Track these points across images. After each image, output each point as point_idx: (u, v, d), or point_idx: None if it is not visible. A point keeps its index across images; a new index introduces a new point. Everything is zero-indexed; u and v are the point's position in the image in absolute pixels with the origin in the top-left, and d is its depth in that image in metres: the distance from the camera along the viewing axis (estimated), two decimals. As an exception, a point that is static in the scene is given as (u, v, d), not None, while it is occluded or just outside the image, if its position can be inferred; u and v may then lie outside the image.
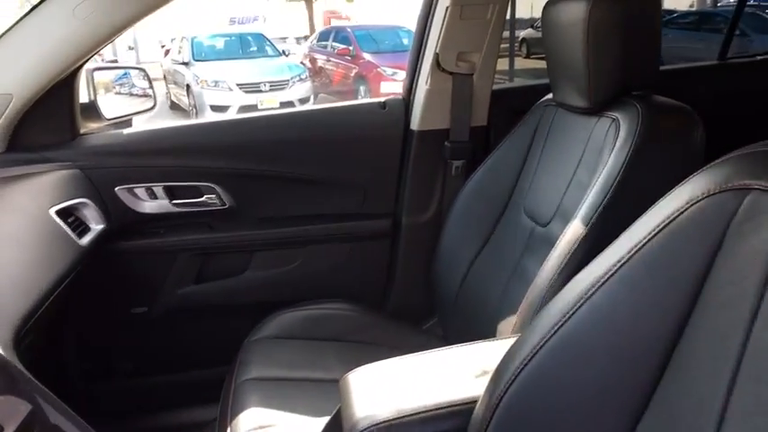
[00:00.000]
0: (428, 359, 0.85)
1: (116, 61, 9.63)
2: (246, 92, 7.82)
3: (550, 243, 1.03)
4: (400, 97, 1.57)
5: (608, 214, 0.95)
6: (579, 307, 0.59)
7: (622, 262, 0.57)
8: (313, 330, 1.33)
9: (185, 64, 8.65)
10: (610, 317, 0.58)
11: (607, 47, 1.02)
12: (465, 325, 1.30)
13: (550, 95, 1.25)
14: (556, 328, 0.60)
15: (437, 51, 1.46)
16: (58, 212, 1.18)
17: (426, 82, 1.49)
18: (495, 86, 1.57)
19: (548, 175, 1.19)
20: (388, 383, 0.81)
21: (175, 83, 9.13)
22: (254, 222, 1.52)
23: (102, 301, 1.46)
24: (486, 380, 0.70)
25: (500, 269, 1.21)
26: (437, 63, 1.47)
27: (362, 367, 0.83)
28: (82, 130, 1.37)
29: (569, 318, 0.60)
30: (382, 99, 1.56)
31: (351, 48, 8.96)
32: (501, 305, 1.15)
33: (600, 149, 1.03)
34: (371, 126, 1.54)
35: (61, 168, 1.28)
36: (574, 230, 0.96)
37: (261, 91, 7.90)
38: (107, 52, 11.13)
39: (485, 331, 1.16)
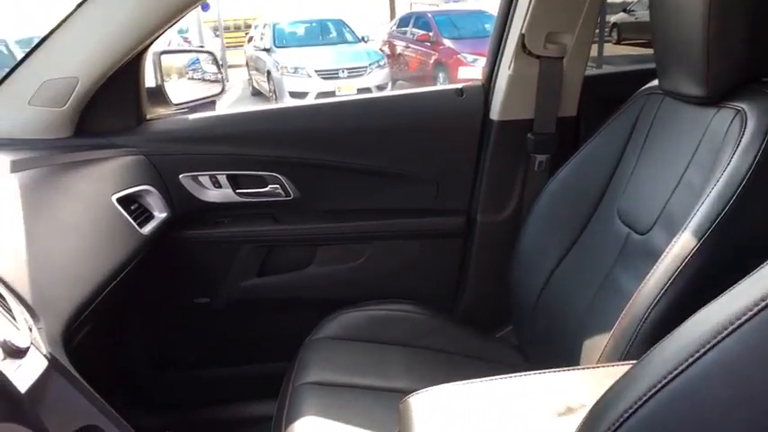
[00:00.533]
0: (502, 386, 0.74)
1: (203, 47, 9.96)
2: (324, 78, 7.92)
3: (651, 255, 0.88)
4: (479, 83, 1.45)
5: (728, 228, 0.79)
6: (705, 352, 0.46)
7: None
8: (377, 332, 1.27)
9: (267, 50, 8.85)
10: (747, 371, 0.44)
11: (733, 23, 0.85)
12: (544, 338, 1.18)
13: (655, 82, 1.09)
14: (671, 376, 0.48)
15: (523, 32, 1.32)
16: (121, 200, 1.17)
17: (509, 66, 1.36)
18: (587, 72, 1.41)
19: (650, 174, 1.03)
20: (455, 413, 0.71)
21: (257, 69, 9.37)
22: (319, 215, 1.46)
23: (165, 290, 1.45)
24: (570, 421, 0.60)
25: (587, 279, 1.08)
26: (522, 45, 1.33)
27: (426, 390, 0.74)
28: (148, 116, 1.35)
29: (691, 364, 0.47)
30: (459, 85, 1.45)
31: (431, 34, 8.81)
32: (587, 321, 1.01)
33: (719, 148, 0.87)
34: (447, 115, 1.43)
35: (126, 154, 1.27)
36: (683, 244, 0.81)
37: (339, 77, 7.97)
38: (194, 39, 11.55)
39: (567, 349, 1.03)
